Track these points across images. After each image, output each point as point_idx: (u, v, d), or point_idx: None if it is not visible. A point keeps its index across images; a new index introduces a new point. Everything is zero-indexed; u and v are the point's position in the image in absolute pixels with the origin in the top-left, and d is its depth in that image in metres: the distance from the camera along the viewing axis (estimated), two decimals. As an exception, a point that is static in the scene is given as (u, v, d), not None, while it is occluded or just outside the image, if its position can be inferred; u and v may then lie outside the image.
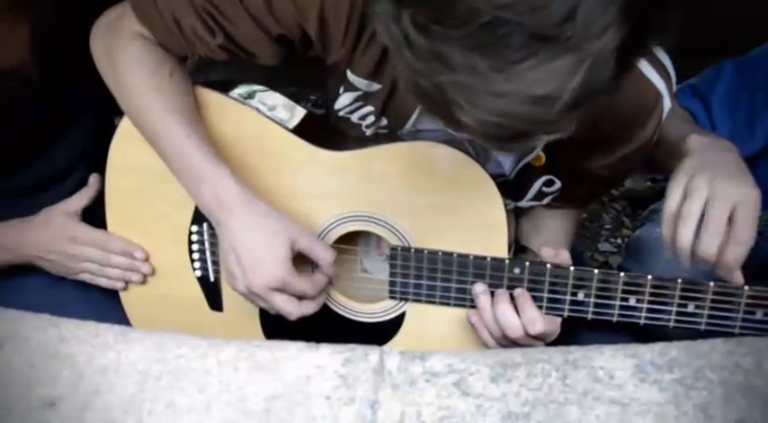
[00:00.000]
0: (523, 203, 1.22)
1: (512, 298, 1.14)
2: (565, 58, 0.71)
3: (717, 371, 0.73)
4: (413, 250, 1.17)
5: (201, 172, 1.11)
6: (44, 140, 1.34)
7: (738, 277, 1.06)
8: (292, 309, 1.14)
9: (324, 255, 1.15)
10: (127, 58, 1.13)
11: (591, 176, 1.18)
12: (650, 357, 0.75)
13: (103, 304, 1.35)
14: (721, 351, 0.75)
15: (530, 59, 0.71)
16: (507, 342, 1.14)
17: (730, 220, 1.02)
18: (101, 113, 1.31)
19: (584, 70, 0.72)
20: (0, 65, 1.24)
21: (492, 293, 1.15)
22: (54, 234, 1.30)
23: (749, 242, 1.03)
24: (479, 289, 1.15)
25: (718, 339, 0.77)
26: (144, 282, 1.32)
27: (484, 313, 1.15)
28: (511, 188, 1.19)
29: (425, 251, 1.17)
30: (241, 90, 1.24)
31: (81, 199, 1.32)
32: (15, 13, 1.24)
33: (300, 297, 1.15)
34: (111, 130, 1.25)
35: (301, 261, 1.16)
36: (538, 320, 1.11)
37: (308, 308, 1.16)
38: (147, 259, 1.30)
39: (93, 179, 1.33)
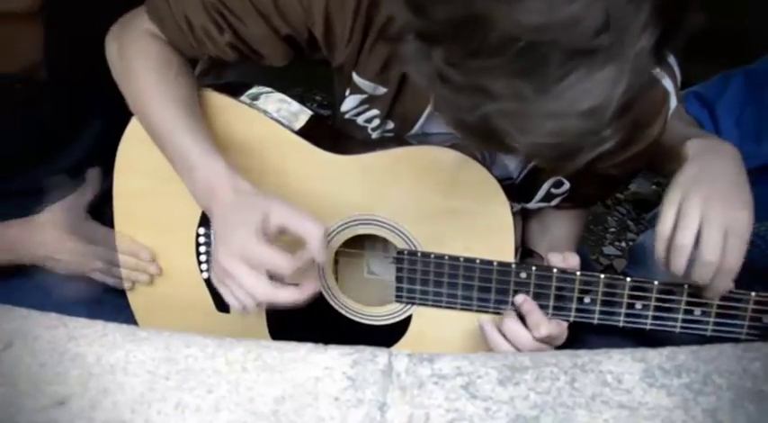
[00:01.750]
0: (532, 205, 1.22)
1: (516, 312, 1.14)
2: (607, 67, 0.70)
3: (725, 376, 0.73)
4: (419, 254, 1.17)
5: (195, 162, 1.08)
6: (54, 141, 1.34)
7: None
8: (259, 285, 0.97)
9: (310, 227, 1.00)
10: (134, 52, 1.14)
11: (599, 177, 1.18)
12: (658, 362, 0.75)
13: (110, 304, 1.35)
14: (729, 356, 0.75)
15: (572, 75, 0.70)
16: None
17: (723, 246, 1.01)
18: (110, 116, 1.31)
19: (627, 75, 0.71)
20: (11, 66, 1.25)
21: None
22: (61, 233, 1.30)
23: (735, 270, 1.02)
24: (484, 319, 1.15)
25: (726, 344, 0.77)
26: (151, 282, 1.31)
27: (492, 339, 1.14)
28: (519, 190, 1.19)
29: (432, 255, 1.17)
30: (248, 92, 1.24)
31: (83, 195, 1.32)
32: (28, 15, 1.24)
33: (280, 280, 1.01)
34: (120, 131, 1.25)
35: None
36: (542, 324, 1.11)
37: (284, 293, 0.99)
38: (153, 260, 1.29)
39: (92, 173, 1.32)
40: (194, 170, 1.08)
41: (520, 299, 1.13)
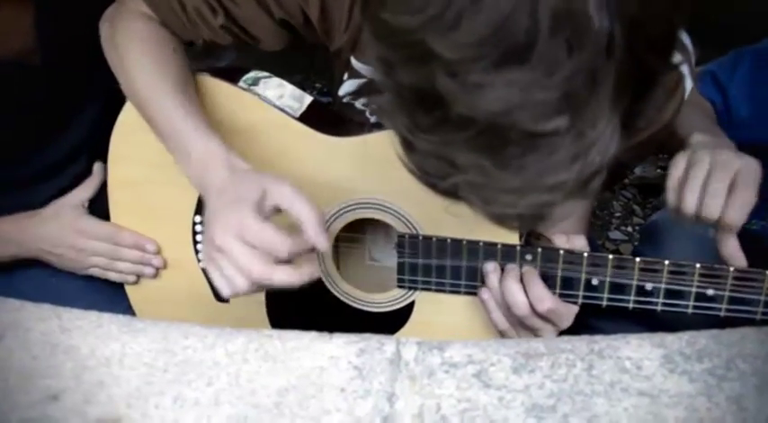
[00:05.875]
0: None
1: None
2: (567, 147, 0.69)
3: (749, 361, 0.70)
4: (421, 237, 1.15)
5: (190, 141, 1.05)
6: (48, 129, 1.32)
7: (741, 258, 1.05)
8: (254, 263, 0.92)
9: (306, 211, 0.96)
10: (128, 33, 1.12)
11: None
12: (678, 347, 0.72)
13: (109, 294, 1.33)
14: (753, 340, 0.72)
15: (531, 154, 0.69)
16: (516, 321, 1.11)
17: (732, 186, 1.03)
18: (105, 103, 1.29)
19: (590, 152, 0.70)
20: (3, 52, 1.22)
21: (502, 270, 1.12)
22: (62, 228, 1.29)
23: (750, 204, 1.03)
24: (490, 267, 1.12)
25: (748, 328, 0.74)
26: (156, 275, 1.29)
27: (492, 291, 1.12)
28: None
29: (434, 238, 1.14)
30: (246, 77, 1.22)
31: (86, 190, 1.31)
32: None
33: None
34: (114, 118, 1.23)
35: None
36: (546, 298, 1.08)
37: (280, 273, 0.93)
38: (158, 252, 1.28)
39: (97, 168, 1.32)
40: (188, 148, 1.05)
41: (525, 268, 1.11)
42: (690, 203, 1.03)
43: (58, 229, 1.29)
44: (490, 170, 0.71)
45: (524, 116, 0.67)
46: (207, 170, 1.02)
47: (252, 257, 0.92)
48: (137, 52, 1.11)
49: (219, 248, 0.94)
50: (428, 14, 0.65)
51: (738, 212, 1.02)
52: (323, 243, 0.97)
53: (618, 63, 0.66)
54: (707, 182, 1.03)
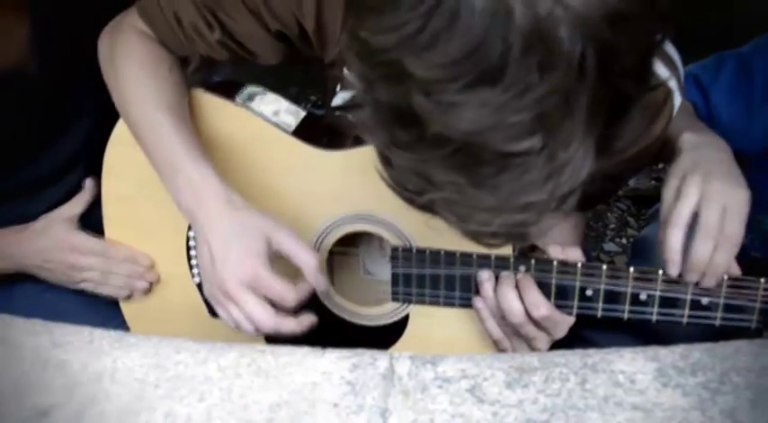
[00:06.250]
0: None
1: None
2: (536, 169, 0.70)
3: (743, 374, 0.70)
4: (414, 250, 1.14)
5: (182, 166, 1.05)
6: (44, 138, 1.31)
7: (734, 267, 1.05)
8: (264, 316, 1.01)
9: (306, 258, 1.04)
10: (126, 51, 1.12)
11: (598, 176, 1.15)
12: (672, 360, 0.72)
13: (103, 309, 1.32)
14: (746, 353, 0.72)
15: (505, 173, 0.70)
16: (510, 330, 1.11)
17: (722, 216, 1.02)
18: (101, 114, 1.29)
19: (564, 173, 0.71)
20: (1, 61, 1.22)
21: (497, 278, 1.12)
22: (53, 242, 1.28)
23: (736, 247, 1.02)
24: (485, 276, 1.12)
25: (742, 341, 0.74)
26: (149, 290, 1.29)
27: (487, 300, 1.11)
28: None
29: (427, 251, 1.14)
30: (241, 93, 1.22)
31: (77, 204, 1.30)
32: (15, 9, 1.22)
33: (281, 309, 1.04)
34: (110, 130, 1.23)
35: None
36: (542, 304, 1.08)
37: (287, 324, 1.03)
38: (152, 266, 1.27)
39: (89, 183, 1.30)
40: (179, 173, 1.05)
41: (521, 274, 1.10)
42: (674, 244, 1.03)
43: (49, 243, 1.28)
44: (465, 188, 0.72)
45: (496, 136, 0.67)
46: (199, 199, 1.04)
47: (263, 311, 1.01)
48: (132, 70, 1.12)
49: (231, 297, 1.02)
50: (404, 33, 0.66)
51: (723, 257, 1.02)
52: (322, 286, 1.08)
53: (591, 86, 0.66)
54: (697, 222, 1.02)
